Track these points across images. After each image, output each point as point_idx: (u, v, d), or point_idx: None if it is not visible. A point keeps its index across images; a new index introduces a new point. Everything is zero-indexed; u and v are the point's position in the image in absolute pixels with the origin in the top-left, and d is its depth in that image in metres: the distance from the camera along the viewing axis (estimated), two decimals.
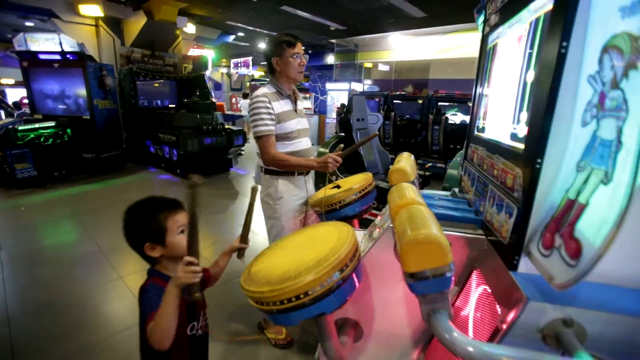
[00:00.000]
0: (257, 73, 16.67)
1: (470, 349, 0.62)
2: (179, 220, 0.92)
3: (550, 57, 0.68)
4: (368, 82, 11.40)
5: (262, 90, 1.54)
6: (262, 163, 1.58)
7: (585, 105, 0.63)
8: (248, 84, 15.99)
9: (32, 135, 4.60)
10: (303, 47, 1.57)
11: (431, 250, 0.64)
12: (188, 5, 6.86)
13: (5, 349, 1.73)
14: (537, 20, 0.82)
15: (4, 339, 1.80)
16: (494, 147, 1.06)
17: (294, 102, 1.63)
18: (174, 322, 0.78)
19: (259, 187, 1.14)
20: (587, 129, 0.61)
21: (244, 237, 1.10)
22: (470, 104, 1.43)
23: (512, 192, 0.84)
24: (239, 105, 11.33)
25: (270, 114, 1.49)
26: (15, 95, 10.02)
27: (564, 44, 0.65)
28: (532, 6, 0.86)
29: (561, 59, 0.66)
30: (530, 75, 0.83)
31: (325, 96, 10.36)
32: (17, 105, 8.76)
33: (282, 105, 1.55)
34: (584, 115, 0.63)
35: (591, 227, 0.57)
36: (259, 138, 1.50)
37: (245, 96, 11.11)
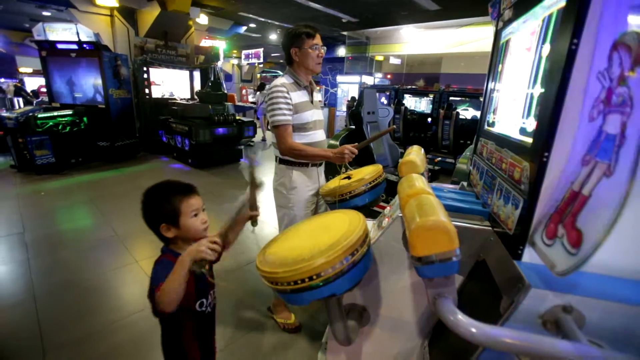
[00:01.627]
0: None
1: (473, 329, 0.66)
2: (193, 204, 0.96)
3: (561, 53, 0.70)
4: (379, 75, 11.30)
5: (281, 80, 1.57)
6: (277, 153, 1.62)
7: (593, 101, 0.65)
8: (259, 75, 16.01)
9: (51, 123, 4.74)
10: None
11: (439, 236, 0.67)
12: None
13: (32, 321, 1.85)
14: (550, 16, 0.83)
15: (32, 312, 1.93)
16: (503, 141, 1.08)
17: (311, 94, 1.65)
18: (182, 288, 0.82)
19: (255, 162, 1.16)
20: (594, 124, 0.64)
21: (253, 206, 1.11)
22: (482, 99, 1.45)
23: (519, 185, 0.86)
24: (250, 97, 11.21)
25: (288, 104, 1.51)
26: (33, 83, 10.27)
27: (575, 40, 0.67)
28: (545, 2, 0.87)
29: (571, 55, 0.68)
30: (541, 71, 0.85)
31: (335, 89, 10.32)
32: (35, 93, 8.99)
33: (299, 96, 1.57)
34: (592, 111, 0.65)
35: (592, 217, 0.60)
36: (276, 127, 1.53)
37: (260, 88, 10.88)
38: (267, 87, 1.67)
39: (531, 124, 0.86)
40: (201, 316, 1.03)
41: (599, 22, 0.64)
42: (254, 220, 1.13)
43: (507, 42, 1.19)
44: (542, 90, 0.81)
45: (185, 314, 0.95)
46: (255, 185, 1.09)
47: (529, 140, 0.85)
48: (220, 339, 1.76)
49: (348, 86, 9.31)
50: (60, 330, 1.81)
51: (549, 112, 0.73)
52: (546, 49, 0.82)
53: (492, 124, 1.26)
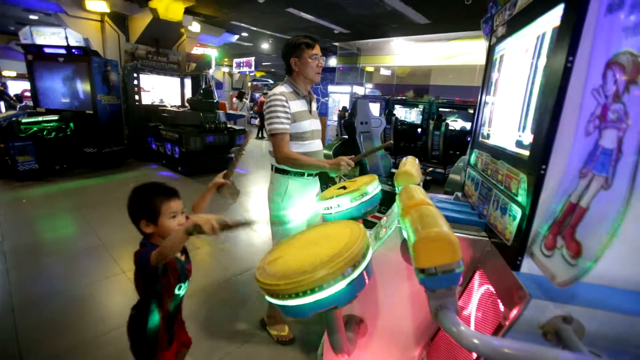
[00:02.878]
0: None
1: (476, 341, 0.66)
2: (172, 207, 1.06)
3: (557, 70, 0.73)
4: (370, 85, 11.49)
5: (280, 89, 1.57)
6: (273, 161, 1.61)
7: (588, 117, 0.67)
8: (249, 84, 16.05)
9: (35, 128, 4.61)
10: None
11: (443, 248, 0.68)
12: (194, 4, 6.91)
13: (10, 337, 1.76)
14: (544, 34, 0.87)
15: (9, 327, 1.83)
16: (498, 153, 1.10)
17: (309, 103, 1.66)
18: (180, 246, 0.98)
19: (252, 134, 1.26)
20: (590, 138, 0.66)
21: (228, 175, 1.26)
22: (471, 111, 1.48)
23: (516, 196, 0.88)
24: (235, 106, 11.16)
25: (286, 112, 1.52)
26: (17, 87, 10.00)
27: (570, 58, 0.70)
28: (539, 21, 0.90)
29: (567, 72, 0.70)
30: (537, 87, 0.88)
31: (326, 98, 10.42)
32: (19, 98, 8.75)
33: (298, 105, 1.58)
34: (587, 126, 0.67)
35: (591, 229, 0.62)
36: (273, 135, 1.53)
37: (240, 96, 10.79)
38: (246, 95, 1.70)
39: (527, 137, 0.89)
40: (177, 298, 1.13)
41: (593, 41, 0.67)
42: (221, 190, 1.26)
43: (501, 57, 1.23)
44: (539, 105, 0.83)
45: (165, 297, 1.08)
46: (237, 161, 1.25)
47: (526, 152, 0.87)
48: (212, 351, 1.73)
49: (339, 96, 9.42)
50: (41, 345, 1.72)
51: (546, 126, 0.75)
52: (541, 65, 0.85)
53: (487, 136, 1.29)
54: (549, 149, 0.75)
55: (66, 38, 5.14)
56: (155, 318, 1.09)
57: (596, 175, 0.63)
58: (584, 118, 0.69)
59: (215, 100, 5.95)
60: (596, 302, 0.70)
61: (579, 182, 0.68)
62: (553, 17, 0.81)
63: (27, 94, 7.52)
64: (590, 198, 0.64)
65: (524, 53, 0.99)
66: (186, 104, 6.53)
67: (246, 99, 11.59)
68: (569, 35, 0.70)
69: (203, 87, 6.01)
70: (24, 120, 4.53)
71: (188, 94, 7.11)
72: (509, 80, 1.13)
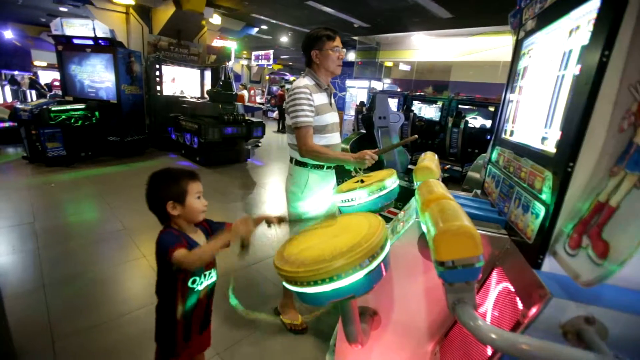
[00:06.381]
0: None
1: (494, 335, 0.66)
2: (197, 187, 1.08)
3: (591, 65, 0.71)
4: (388, 81, 11.32)
5: (303, 81, 1.57)
6: (294, 154, 1.63)
7: (623, 113, 0.65)
8: (267, 77, 16.13)
9: (63, 116, 4.81)
10: None
11: (463, 241, 0.68)
12: None
13: (42, 311, 1.88)
14: (578, 27, 0.84)
15: (41, 301, 1.95)
16: (522, 150, 1.08)
17: (330, 96, 1.65)
18: (212, 255, 1.04)
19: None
20: (624, 135, 0.64)
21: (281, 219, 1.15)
22: (492, 109, 1.45)
23: (540, 194, 0.86)
24: (258, 98, 11.26)
25: (311, 105, 1.52)
26: (47, 77, 10.43)
27: (606, 52, 0.67)
28: (573, 14, 0.87)
29: (602, 66, 0.68)
30: (567, 82, 0.85)
31: (344, 93, 10.35)
32: (49, 86, 9.14)
33: (320, 98, 1.58)
34: (622, 122, 0.65)
35: (621, 229, 0.60)
36: (298, 128, 1.52)
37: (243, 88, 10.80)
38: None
39: (554, 134, 0.86)
40: (191, 292, 1.08)
41: (632, 34, 0.64)
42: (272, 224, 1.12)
43: (529, 52, 1.19)
44: (569, 101, 0.81)
45: (183, 289, 1.06)
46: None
47: (552, 149, 0.85)
48: (226, 338, 1.78)
49: (357, 91, 9.33)
50: (69, 320, 1.83)
51: (576, 123, 0.73)
52: (573, 60, 0.83)
53: (511, 133, 1.26)
54: (578, 146, 0.73)
55: (94, 29, 5.30)
56: (176, 308, 1.07)
57: (629, 174, 0.61)
58: (617, 114, 0.67)
59: (234, 92, 6.02)
60: (621, 305, 0.69)
61: (609, 180, 0.66)
62: (589, 9, 0.78)
63: (57, 83, 7.84)
64: (621, 197, 0.62)
65: (555, 47, 0.96)
66: (205, 96, 6.64)
67: (251, 89, 11.53)
68: (607, 29, 0.67)
69: (222, 79, 6.08)
70: (53, 109, 4.72)
71: (208, 85, 7.23)
72: (537, 75, 1.10)
